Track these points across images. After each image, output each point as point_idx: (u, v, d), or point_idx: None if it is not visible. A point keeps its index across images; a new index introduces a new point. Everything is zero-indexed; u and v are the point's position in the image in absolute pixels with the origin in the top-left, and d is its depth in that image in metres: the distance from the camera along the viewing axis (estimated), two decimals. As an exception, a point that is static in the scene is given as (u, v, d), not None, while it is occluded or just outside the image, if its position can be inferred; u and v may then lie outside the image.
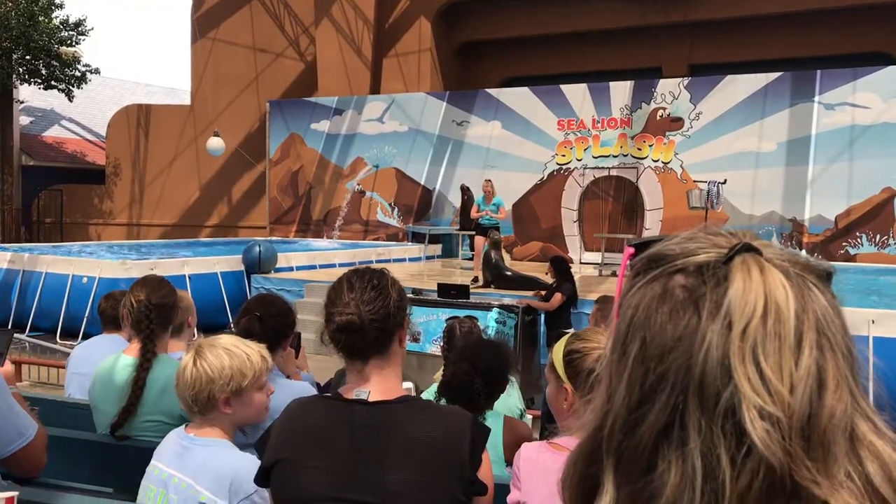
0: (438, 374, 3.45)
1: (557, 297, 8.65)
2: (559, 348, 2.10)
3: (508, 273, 11.66)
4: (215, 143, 18.68)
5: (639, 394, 0.65)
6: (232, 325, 11.64)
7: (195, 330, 4.01)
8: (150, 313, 3.06)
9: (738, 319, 0.62)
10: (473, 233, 14.15)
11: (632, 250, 0.80)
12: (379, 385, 1.95)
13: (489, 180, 13.31)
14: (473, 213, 13.88)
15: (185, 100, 25.31)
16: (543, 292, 9.13)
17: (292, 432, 1.97)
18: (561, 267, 9.04)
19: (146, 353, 3.03)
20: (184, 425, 2.46)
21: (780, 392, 0.60)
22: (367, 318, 1.91)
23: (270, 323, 2.99)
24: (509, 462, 2.99)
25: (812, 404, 0.61)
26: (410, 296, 8.84)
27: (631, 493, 0.65)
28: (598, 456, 0.68)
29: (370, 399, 1.92)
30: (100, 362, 3.32)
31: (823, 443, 0.61)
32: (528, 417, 4.25)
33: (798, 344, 0.62)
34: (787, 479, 0.59)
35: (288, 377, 3.13)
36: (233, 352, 2.38)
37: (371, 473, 1.86)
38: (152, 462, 2.40)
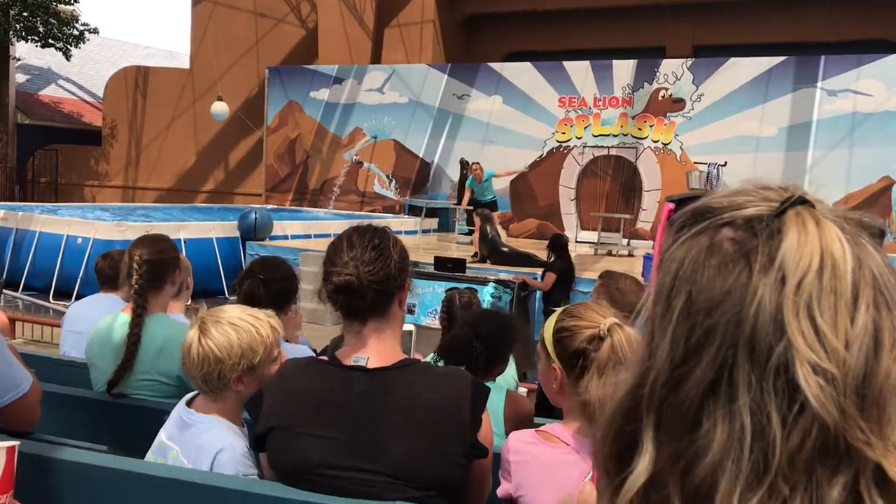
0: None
1: (550, 277, 8.65)
2: (549, 325, 2.03)
3: (504, 249, 11.66)
4: (220, 107, 18.54)
5: (684, 349, 0.63)
6: (227, 292, 11.59)
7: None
8: (141, 268, 3.01)
9: (792, 273, 0.60)
10: (472, 208, 14.15)
11: (672, 205, 0.78)
12: (377, 349, 1.91)
13: (478, 163, 13.80)
14: (465, 200, 13.94)
15: (185, 63, 25.08)
16: (541, 270, 9.16)
17: (288, 398, 1.93)
18: (556, 244, 9.03)
19: (136, 308, 2.99)
20: (190, 395, 2.38)
21: (835, 348, 0.58)
22: (366, 280, 1.86)
23: (274, 287, 2.96)
24: (507, 434, 2.99)
25: (868, 362, 0.59)
26: (407, 267, 8.88)
27: (673, 452, 0.62)
28: (638, 414, 0.66)
29: (369, 365, 1.88)
30: (96, 321, 3.30)
31: (878, 403, 0.59)
32: (523, 390, 4.26)
33: (854, 300, 0.60)
34: (841, 440, 0.58)
35: (288, 341, 3.12)
36: (240, 326, 2.22)
37: (371, 441, 1.84)
38: (161, 429, 2.35)
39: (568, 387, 1.94)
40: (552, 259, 8.92)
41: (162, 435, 2.30)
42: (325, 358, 2.00)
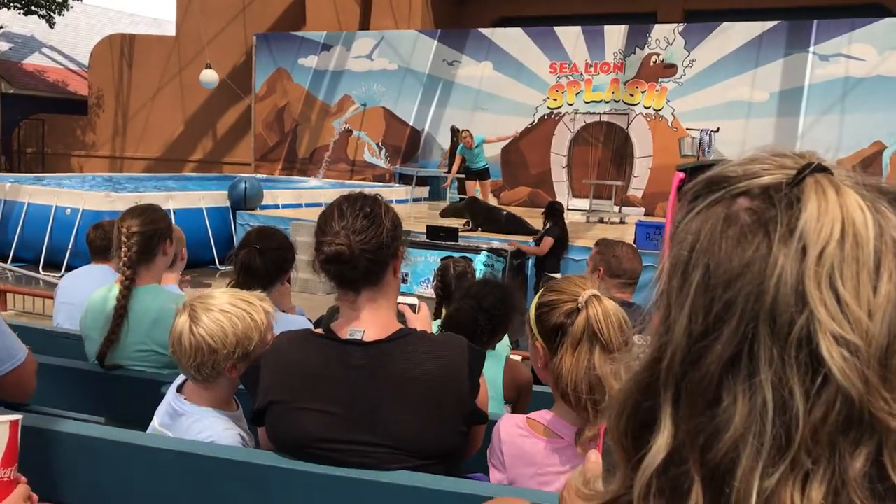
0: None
1: (548, 241, 8.70)
2: (534, 302, 1.98)
3: (504, 212, 11.72)
4: (209, 75, 18.32)
5: (703, 324, 0.62)
6: (217, 262, 11.54)
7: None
8: (130, 240, 2.97)
9: (813, 243, 0.59)
10: (463, 175, 14.10)
11: (682, 175, 0.77)
12: (372, 320, 1.90)
13: (467, 130, 13.77)
14: (455, 168, 13.90)
15: (170, 31, 24.78)
16: (534, 237, 9.19)
17: (285, 372, 1.92)
18: (553, 210, 9.07)
19: (125, 281, 2.96)
20: (181, 380, 2.30)
21: (859, 318, 0.58)
22: (358, 249, 1.84)
23: (271, 256, 2.93)
24: (507, 400, 3.01)
25: (892, 332, 0.58)
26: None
27: (692, 428, 0.62)
28: (655, 390, 0.65)
29: (365, 338, 1.87)
30: (89, 292, 3.28)
31: None
32: (516, 357, 4.29)
33: (877, 269, 0.59)
34: (865, 411, 0.57)
35: (284, 312, 3.11)
36: (233, 313, 2.12)
37: (370, 414, 1.84)
38: (155, 414, 2.31)
39: (551, 364, 1.89)
40: (548, 225, 8.95)
41: (155, 421, 2.27)
42: (320, 331, 1.97)
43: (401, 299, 2.13)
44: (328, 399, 1.86)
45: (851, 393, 0.57)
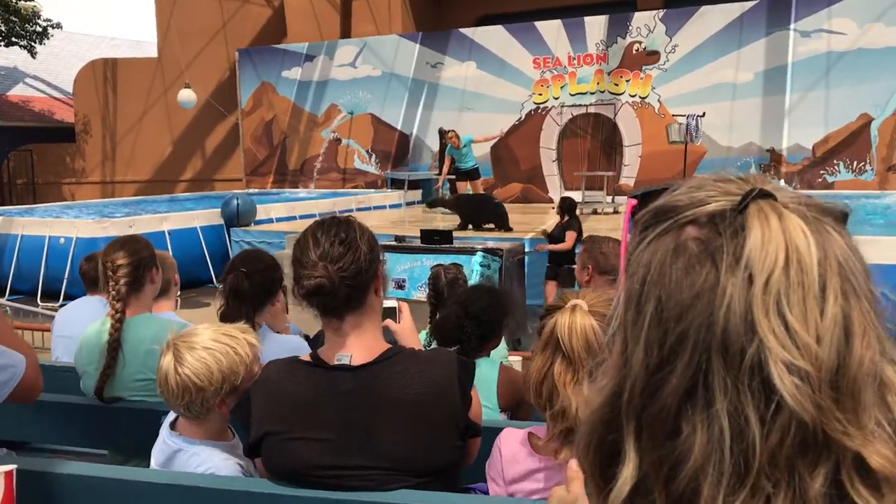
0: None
1: (571, 236, 8.91)
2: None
3: (494, 199, 11.90)
4: (186, 95, 18.33)
5: (658, 356, 0.63)
6: (215, 280, 11.54)
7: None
8: (116, 273, 2.99)
9: (759, 271, 0.60)
10: (454, 177, 14.11)
11: (634, 202, 0.78)
12: (359, 344, 1.90)
13: (453, 130, 13.73)
14: (445, 169, 13.91)
15: (152, 52, 24.73)
16: (546, 234, 9.34)
17: (277, 403, 1.92)
18: (569, 205, 9.33)
19: (116, 313, 2.98)
20: (173, 417, 2.30)
21: (807, 344, 0.59)
22: (338, 278, 1.83)
23: (258, 278, 2.94)
24: (503, 409, 3.00)
25: (840, 354, 0.59)
26: (393, 243, 8.84)
27: (655, 460, 0.63)
28: (618, 422, 0.66)
29: (352, 363, 1.87)
30: (85, 324, 3.29)
31: (853, 393, 0.59)
32: (515, 359, 4.27)
33: (822, 292, 0.60)
34: (820, 433, 0.58)
35: (278, 332, 3.12)
36: (216, 349, 2.12)
37: (365, 438, 1.85)
38: (152, 453, 2.30)
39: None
40: (566, 219, 9.11)
41: (153, 462, 2.27)
42: (308, 358, 1.98)
43: None
44: (320, 426, 1.87)
45: (804, 417, 0.58)
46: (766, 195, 0.64)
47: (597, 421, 0.69)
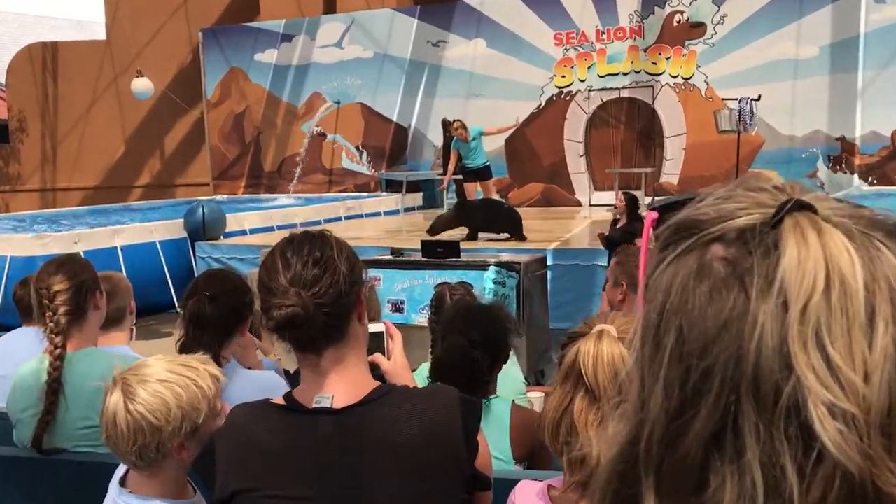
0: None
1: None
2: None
3: (504, 204, 11.95)
4: (142, 84, 18.43)
5: (680, 397, 0.63)
6: (177, 305, 11.56)
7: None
8: (53, 302, 2.98)
9: (795, 297, 0.60)
10: (460, 176, 14.10)
11: (654, 215, 0.78)
12: (341, 382, 1.89)
13: (459, 120, 13.71)
14: (450, 167, 13.88)
15: (99, 34, 24.88)
16: (606, 233, 9.49)
17: (247, 454, 1.91)
18: (634, 199, 9.81)
19: (55, 348, 2.97)
20: (123, 471, 2.27)
21: (852, 382, 0.59)
22: (313, 305, 1.81)
23: (224, 302, 2.94)
24: (518, 459, 2.99)
25: (892, 393, 0.59)
26: (388, 258, 8.83)
27: None
28: (636, 475, 0.67)
29: (334, 405, 1.87)
30: (19, 361, 3.29)
31: None
32: (537, 395, 4.23)
33: (870, 321, 0.60)
34: (869, 487, 0.58)
35: (249, 367, 3.12)
36: (173, 382, 2.08)
37: (353, 493, 1.85)
38: None
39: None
40: (625, 221, 9.46)
41: None
42: (281, 401, 1.96)
43: None
44: (298, 482, 1.86)
45: (851, 468, 0.58)
46: (804, 206, 0.64)
47: (612, 473, 0.69)
